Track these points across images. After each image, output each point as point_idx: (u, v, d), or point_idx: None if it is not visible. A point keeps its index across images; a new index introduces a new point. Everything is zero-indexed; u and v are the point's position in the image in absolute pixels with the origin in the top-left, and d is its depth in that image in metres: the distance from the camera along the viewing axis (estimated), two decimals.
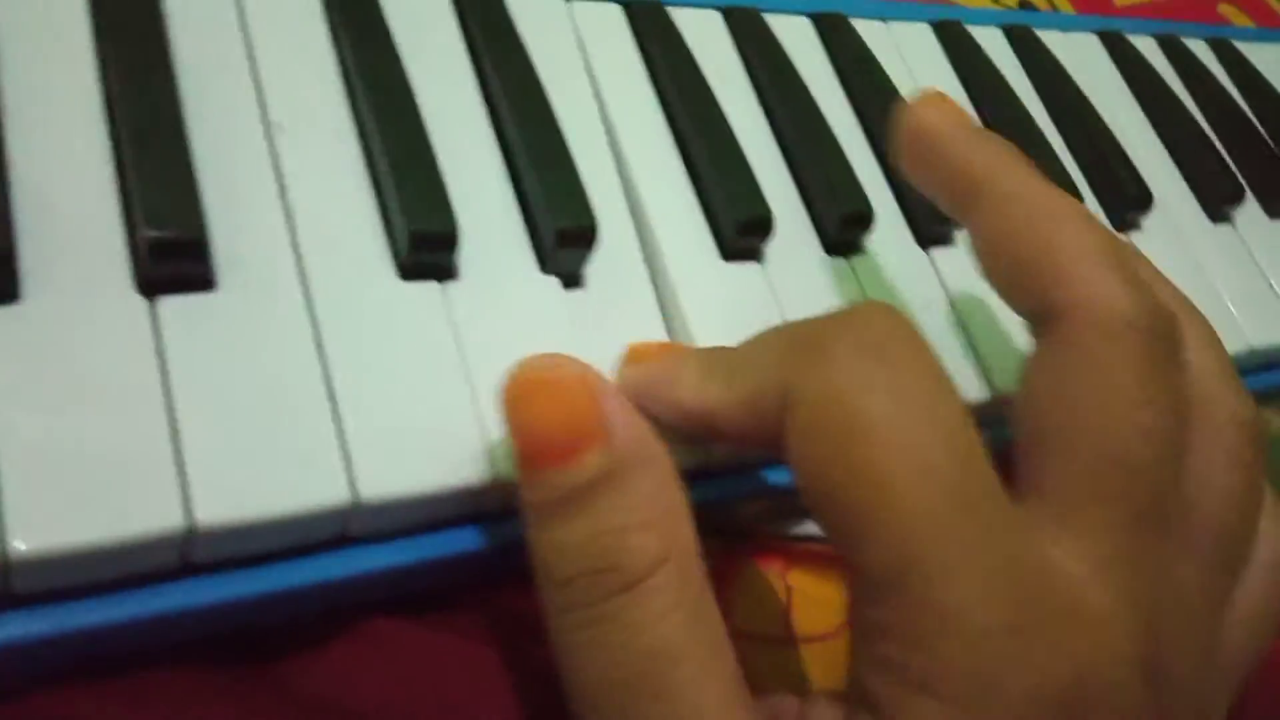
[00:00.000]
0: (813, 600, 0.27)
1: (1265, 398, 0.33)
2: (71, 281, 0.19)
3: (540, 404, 0.19)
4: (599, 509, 0.18)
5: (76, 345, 0.18)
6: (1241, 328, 0.32)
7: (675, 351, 0.23)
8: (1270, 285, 0.34)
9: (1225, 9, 0.55)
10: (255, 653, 0.21)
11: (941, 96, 0.23)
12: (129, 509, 0.17)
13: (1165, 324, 0.19)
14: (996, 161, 0.21)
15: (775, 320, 0.25)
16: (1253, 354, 0.32)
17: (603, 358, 0.21)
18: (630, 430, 0.18)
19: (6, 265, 0.18)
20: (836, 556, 0.18)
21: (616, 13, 0.29)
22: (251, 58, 0.23)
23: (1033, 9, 0.48)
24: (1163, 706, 0.17)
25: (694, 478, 0.23)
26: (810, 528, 0.27)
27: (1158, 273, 0.23)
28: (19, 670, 0.18)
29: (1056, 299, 0.19)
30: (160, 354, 0.19)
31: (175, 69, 0.21)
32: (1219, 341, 0.21)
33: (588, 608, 0.18)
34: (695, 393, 0.20)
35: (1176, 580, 0.18)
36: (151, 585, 0.18)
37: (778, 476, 0.24)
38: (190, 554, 0.18)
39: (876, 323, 0.18)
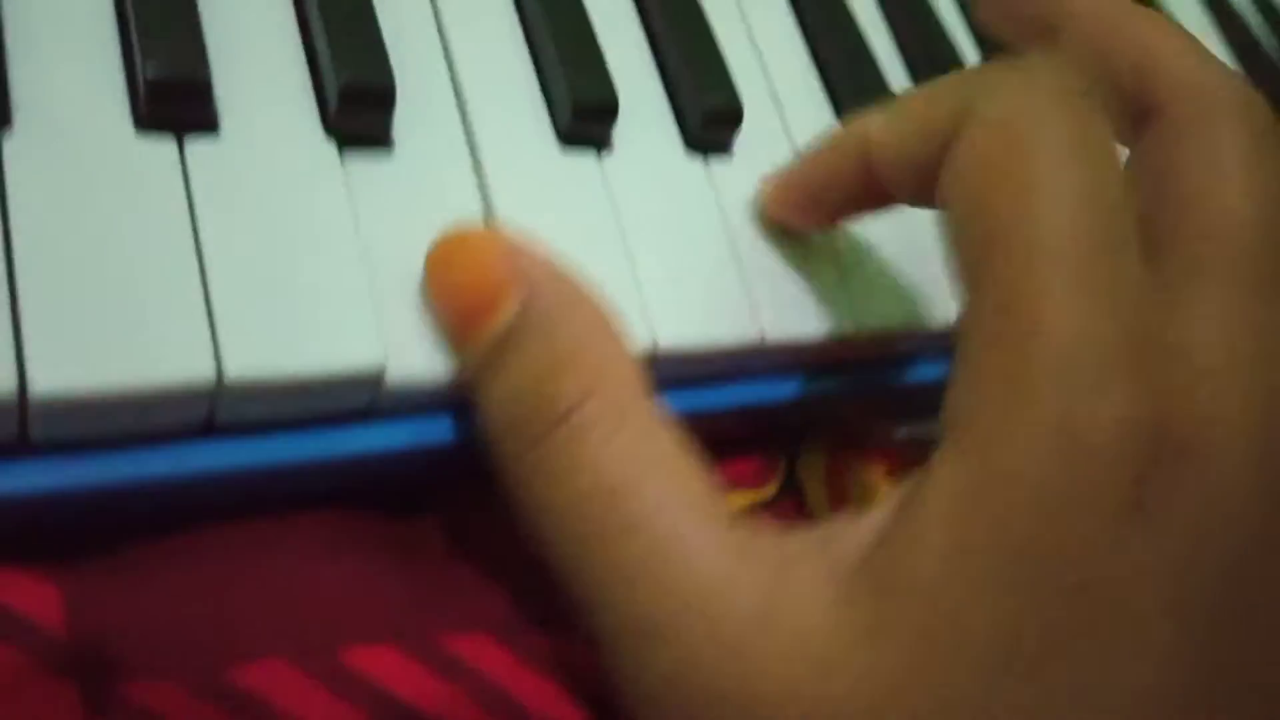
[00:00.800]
0: None
1: None
2: (263, 120, 0.19)
3: (454, 270, 0.19)
4: (523, 353, 0.18)
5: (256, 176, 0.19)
6: None
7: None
8: None
9: None
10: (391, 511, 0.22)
11: None
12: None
13: (1262, 108, 0.19)
14: None
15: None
16: None
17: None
18: (546, 275, 0.19)
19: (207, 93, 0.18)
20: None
21: None
22: None
23: None
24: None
25: (808, 375, 0.24)
26: (908, 432, 0.28)
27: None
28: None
29: (1159, 92, 0.19)
30: (353, 207, 0.19)
31: None
32: None
33: (526, 454, 0.18)
34: (852, 128, 0.20)
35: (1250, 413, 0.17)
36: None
37: (883, 376, 0.25)
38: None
39: (1074, 78, 0.18)
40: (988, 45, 0.31)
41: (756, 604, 0.16)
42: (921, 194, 0.19)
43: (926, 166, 0.19)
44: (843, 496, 0.26)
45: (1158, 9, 0.38)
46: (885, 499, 0.17)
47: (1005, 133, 0.17)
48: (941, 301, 0.25)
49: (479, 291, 0.18)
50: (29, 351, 0.16)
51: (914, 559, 0.16)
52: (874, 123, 0.20)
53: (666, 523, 0.17)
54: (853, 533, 0.17)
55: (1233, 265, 0.17)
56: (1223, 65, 0.20)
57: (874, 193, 0.21)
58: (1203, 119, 0.19)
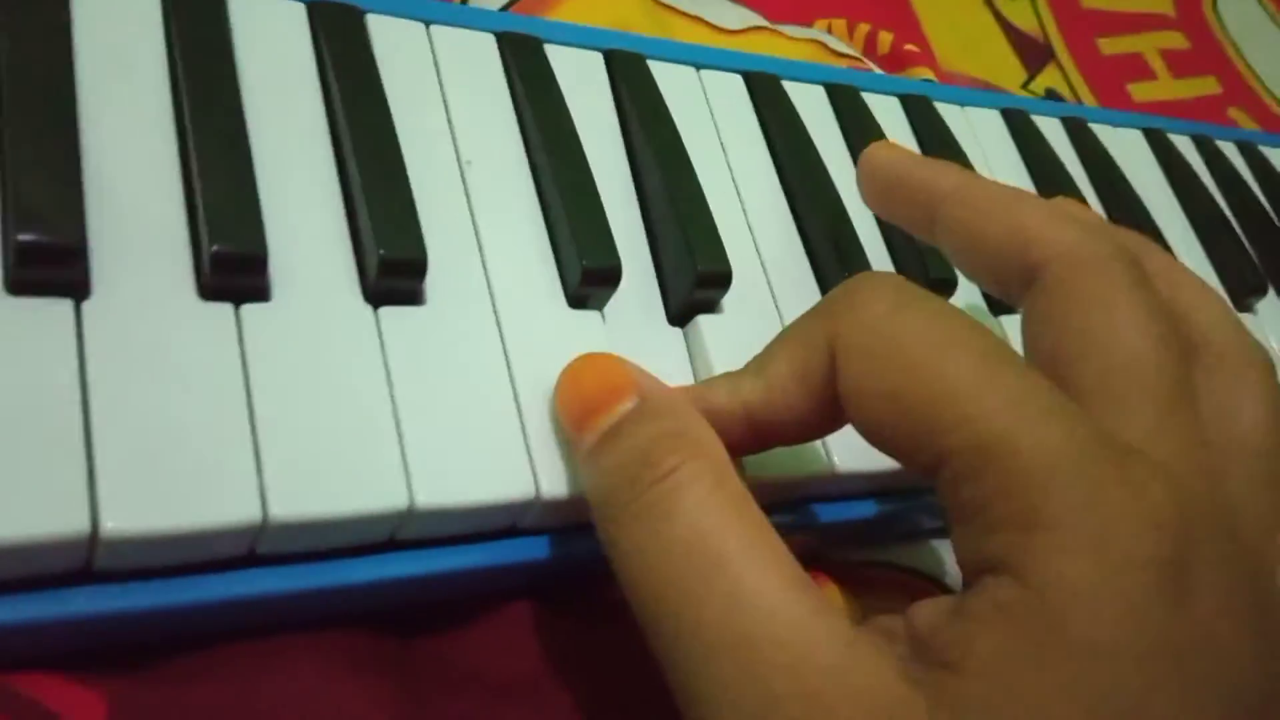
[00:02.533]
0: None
1: None
2: (307, 288, 0.22)
3: (582, 378, 0.22)
4: (635, 430, 0.21)
5: (318, 346, 0.21)
6: None
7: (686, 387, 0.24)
8: None
9: (1234, 113, 0.60)
10: (402, 628, 0.24)
11: (890, 142, 0.27)
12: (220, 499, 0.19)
13: (1131, 255, 0.22)
14: (948, 171, 0.25)
15: None
16: None
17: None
18: (657, 386, 0.22)
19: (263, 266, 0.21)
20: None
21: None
22: (445, 103, 0.26)
23: (1058, 98, 0.53)
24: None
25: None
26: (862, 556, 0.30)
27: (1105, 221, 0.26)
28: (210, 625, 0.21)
29: (1034, 258, 0.22)
30: (385, 360, 0.22)
31: (390, 106, 0.25)
32: (1193, 275, 0.25)
33: (630, 504, 0.20)
34: (729, 395, 0.22)
35: (1219, 490, 0.19)
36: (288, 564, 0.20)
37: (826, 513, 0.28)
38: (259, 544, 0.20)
39: (887, 277, 0.21)
40: None
41: (834, 659, 0.17)
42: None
43: (823, 393, 0.21)
44: None
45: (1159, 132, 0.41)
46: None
47: (884, 330, 0.20)
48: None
49: (603, 390, 0.22)
50: (101, 494, 0.18)
51: (972, 643, 0.17)
52: (744, 387, 0.22)
53: (752, 570, 0.18)
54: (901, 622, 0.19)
55: (1144, 390, 0.20)
56: (1084, 219, 0.23)
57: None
58: (1084, 276, 0.21)
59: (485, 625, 0.25)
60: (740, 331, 0.26)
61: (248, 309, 0.21)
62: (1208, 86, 0.60)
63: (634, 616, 0.20)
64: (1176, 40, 0.62)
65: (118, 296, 0.20)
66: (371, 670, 0.22)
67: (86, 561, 0.19)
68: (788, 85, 0.33)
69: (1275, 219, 0.43)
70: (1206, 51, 0.62)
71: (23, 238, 0.19)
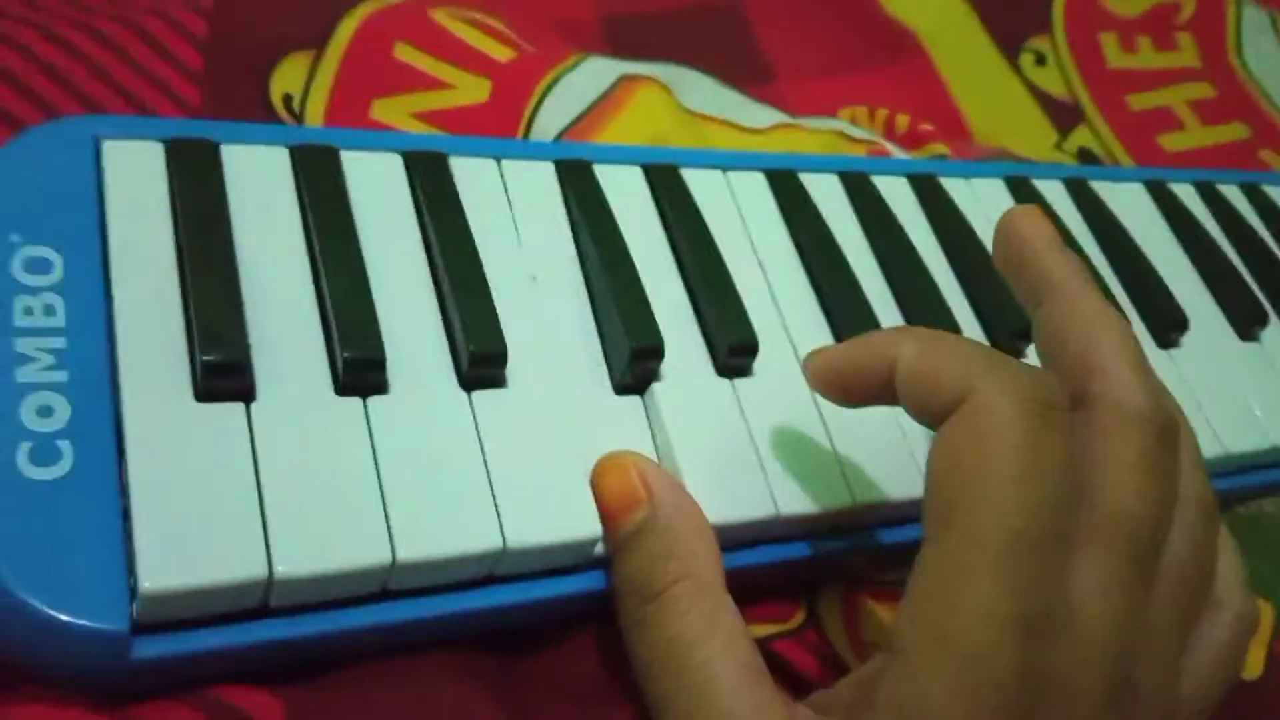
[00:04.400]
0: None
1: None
2: (417, 381, 0.28)
3: (606, 481, 0.28)
4: (641, 547, 0.27)
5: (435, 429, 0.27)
6: (1266, 429, 0.39)
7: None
8: None
9: (1266, 155, 0.61)
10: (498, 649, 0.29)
11: (1037, 211, 0.30)
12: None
13: (1171, 424, 0.25)
14: (1067, 270, 0.28)
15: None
16: (1273, 450, 0.39)
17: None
18: (666, 493, 0.27)
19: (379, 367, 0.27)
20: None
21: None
22: (515, 225, 0.33)
23: (1093, 159, 0.56)
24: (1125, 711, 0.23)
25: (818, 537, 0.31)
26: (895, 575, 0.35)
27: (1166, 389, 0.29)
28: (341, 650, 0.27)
29: (1091, 388, 0.25)
30: (478, 431, 0.28)
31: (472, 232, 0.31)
32: (1197, 447, 0.28)
33: (634, 611, 0.26)
34: (915, 356, 0.25)
35: (1153, 617, 0.24)
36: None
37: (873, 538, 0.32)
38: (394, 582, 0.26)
39: (1055, 385, 0.24)
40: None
41: None
42: (923, 421, 0.25)
43: (930, 415, 0.25)
44: (855, 627, 0.33)
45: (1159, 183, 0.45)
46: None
47: (977, 429, 0.23)
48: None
49: (621, 496, 0.27)
50: (272, 540, 0.24)
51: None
52: (905, 349, 0.25)
53: (715, 669, 0.25)
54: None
55: (1121, 543, 0.24)
56: (1145, 376, 0.25)
57: (890, 396, 0.26)
58: (1117, 423, 0.25)
59: (567, 645, 0.30)
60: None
61: (373, 400, 0.27)
62: (1237, 132, 0.62)
63: None
64: (1204, 90, 0.63)
65: (275, 398, 0.27)
66: (477, 680, 0.28)
67: (263, 601, 0.25)
68: (805, 176, 0.39)
69: (1277, 252, 0.47)
70: (1234, 99, 0.63)
71: (205, 358, 0.26)
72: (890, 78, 0.56)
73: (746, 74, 0.50)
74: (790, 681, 0.32)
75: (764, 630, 0.32)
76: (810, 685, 0.31)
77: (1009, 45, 0.60)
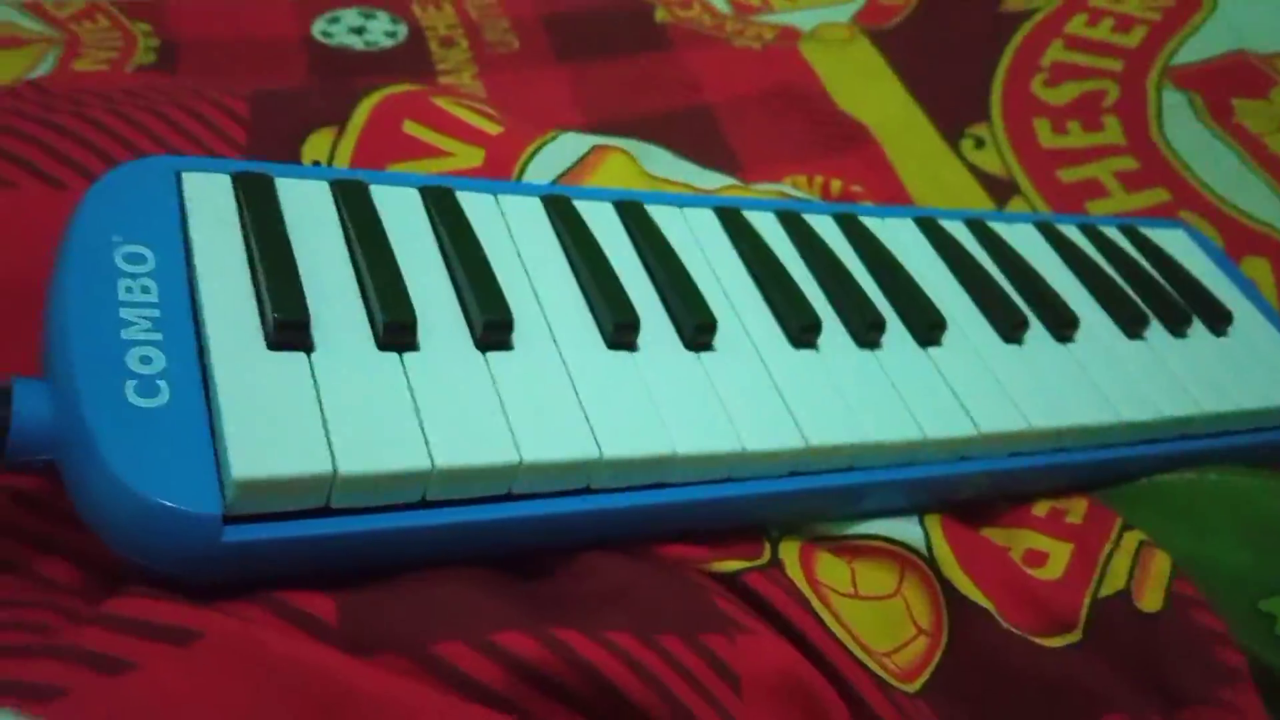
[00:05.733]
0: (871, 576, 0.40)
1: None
2: (441, 340, 0.35)
3: None
4: None
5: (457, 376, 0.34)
6: (1025, 413, 0.44)
7: None
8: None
9: (1184, 214, 0.65)
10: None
11: None
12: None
13: None
14: None
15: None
16: (1031, 430, 0.43)
17: None
18: None
19: (412, 331, 0.34)
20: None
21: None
22: (513, 239, 0.40)
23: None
24: None
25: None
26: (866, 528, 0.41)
27: None
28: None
29: None
30: (494, 383, 0.34)
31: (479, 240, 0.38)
32: None
33: None
34: None
35: None
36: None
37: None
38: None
39: None
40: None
41: None
42: None
43: None
44: (810, 568, 0.39)
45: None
46: None
47: None
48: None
49: None
50: (335, 446, 0.30)
51: None
52: None
53: None
54: None
55: None
56: None
57: None
58: None
59: (575, 566, 0.35)
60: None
61: (408, 356, 0.34)
62: (1159, 197, 0.65)
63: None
64: (1128, 163, 0.67)
65: (329, 350, 0.33)
66: (499, 588, 0.33)
67: (325, 502, 0.30)
68: (748, 213, 0.47)
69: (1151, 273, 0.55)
70: (1156, 168, 0.67)
71: (277, 315, 0.32)
72: (845, 165, 0.65)
73: (712, 163, 0.59)
74: (761, 610, 0.37)
75: (736, 564, 0.38)
76: (778, 615, 0.37)
77: (951, 132, 0.69)
